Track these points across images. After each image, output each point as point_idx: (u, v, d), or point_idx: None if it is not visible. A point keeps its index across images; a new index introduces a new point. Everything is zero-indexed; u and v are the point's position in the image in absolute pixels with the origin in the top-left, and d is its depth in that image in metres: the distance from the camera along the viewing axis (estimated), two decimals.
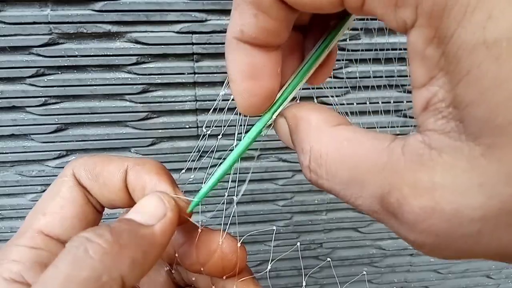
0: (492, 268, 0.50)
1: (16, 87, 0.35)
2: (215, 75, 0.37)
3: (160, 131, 0.38)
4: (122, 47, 0.35)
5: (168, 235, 0.16)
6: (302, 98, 0.18)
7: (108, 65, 0.35)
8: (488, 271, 0.50)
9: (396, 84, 0.39)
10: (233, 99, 0.17)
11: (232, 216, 0.21)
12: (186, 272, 0.22)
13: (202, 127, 0.39)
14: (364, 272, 0.38)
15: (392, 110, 0.40)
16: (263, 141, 0.40)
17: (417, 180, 0.11)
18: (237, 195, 0.21)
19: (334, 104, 0.39)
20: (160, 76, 0.36)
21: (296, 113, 0.15)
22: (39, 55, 0.34)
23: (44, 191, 0.39)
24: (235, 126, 0.25)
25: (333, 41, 0.17)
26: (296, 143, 0.15)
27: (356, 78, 0.38)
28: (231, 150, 0.18)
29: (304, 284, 0.22)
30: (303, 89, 0.18)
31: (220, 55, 0.36)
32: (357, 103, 0.39)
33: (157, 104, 0.37)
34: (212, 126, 0.30)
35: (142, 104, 0.37)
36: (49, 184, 0.39)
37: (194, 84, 0.37)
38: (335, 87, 0.39)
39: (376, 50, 0.38)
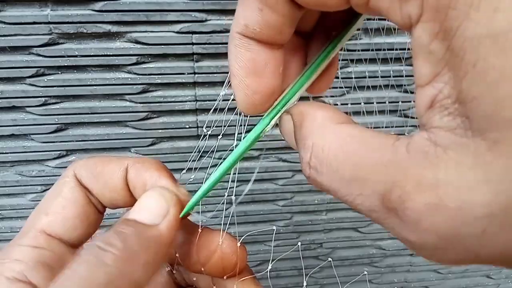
0: (492, 268, 0.50)
1: (16, 87, 0.35)
2: (215, 75, 0.37)
3: (160, 131, 0.38)
4: (122, 47, 0.35)
5: (173, 231, 0.17)
6: (301, 98, 0.18)
7: (108, 65, 0.35)
8: (488, 271, 0.50)
9: (396, 84, 0.39)
10: (233, 99, 0.16)
11: (231, 216, 0.21)
12: (187, 273, 0.22)
13: (202, 127, 0.39)
14: (365, 272, 0.38)
15: (392, 110, 0.40)
16: (263, 141, 0.40)
17: (421, 177, 0.11)
18: (238, 195, 0.21)
19: (334, 104, 0.39)
20: (160, 76, 0.36)
21: (303, 110, 0.15)
22: (39, 55, 0.34)
23: (44, 191, 0.39)
24: (235, 126, 0.25)
25: (337, 47, 0.17)
26: (299, 139, 0.15)
27: (356, 78, 0.38)
28: (231, 150, 0.18)
29: (305, 284, 0.22)
30: None
31: (220, 55, 0.36)
32: (357, 103, 0.39)
33: (157, 104, 0.37)
34: (213, 126, 0.30)
35: (142, 104, 0.37)
36: (49, 184, 0.39)
37: (194, 84, 0.37)
38: (335, 87, 0.39)
39: (376, 50, 0.38)
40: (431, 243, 0.11)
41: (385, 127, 0.41)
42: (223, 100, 0.33)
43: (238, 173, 0.40)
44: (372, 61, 0.38)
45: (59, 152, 0.38)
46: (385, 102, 0.40)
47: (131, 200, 0.19)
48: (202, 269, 0.19)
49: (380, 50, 0.38)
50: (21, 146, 0.37)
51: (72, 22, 0.33)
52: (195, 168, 0.35)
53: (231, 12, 0.35)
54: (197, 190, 0.19)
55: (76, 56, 0.34)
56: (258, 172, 0.41)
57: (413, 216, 0.11)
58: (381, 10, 0.12)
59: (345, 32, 0.17)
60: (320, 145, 0.14)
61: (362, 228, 0.46)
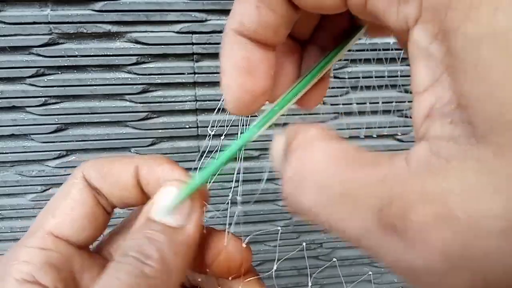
0: None
1: (16, 87, 0.35)
2: (215, 75, 0.37)
3: (160, 131, 0.38)
4: (122, 47, 0.35)
5: (199, 229, 0.17)
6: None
7: (108, 65, 0.35)
8: None
9: (396, 84, 0.39)
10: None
11: (234, 216, 0.21)
12: (192, 273, 0.22)
13: (202, 127, 0.39)
14: (370, 273, 0.38)
15: (391, 110, 0.40)
16: (263, 141, 0.40)
17: (425, 187, 0.10)
18: (245, 195, 0.21)
19: (334, 104, 0.39)
20: (160, 76, 0.36)
21: (297, 128, 0.14)
22: (39, 55, 0.34)
23: (44, 191, 0.39)
24: (237, 126, 0.25)
25: (331, 61, 0.17)
26: (286, 156, 0.14)
27: (357, 78, 0.38)
28: None
29: (310, 284, 0.22)
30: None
31: None
32: (357, 103, 0.39)
33: (157, 104, 0.37)
34: (216, 126, 0.30)
35: (142, 104, 0.37)
36: (49, 184, 0.39)
37: (194, 84, 0.37)
38: (334, 87, 0.39)
39: (376, 50, 0.38)
40: (438, 265, 0.10)
41: (385, 127, 0.41)
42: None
43: (237, 173, 0.40)
44: (372, 61, 0.38)
45: (59, 152, 0.38)
46: (384, 102, 0.40)
47: (142, 198, 0.19)
48: (208, 269, 0.19)
49: (380, 50, 0.38)
50: (21, 146, 0.37)
51: (72, 22, 0.33)
52: (195, 168, 0.35)
53: None
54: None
55: (76, 56, 0.34)
56: (258, 172, 0.41)
57: (417, 231, 0.10)
58: (378, 12, 0.12)
59: (340, 47, 0.17)
60: (305, 159, 0.13)
61: None
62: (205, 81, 0.37)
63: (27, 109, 0.36)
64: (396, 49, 0.38)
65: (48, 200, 0.39)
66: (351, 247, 0.47)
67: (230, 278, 0.20)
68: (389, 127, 0.41)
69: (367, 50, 0.38)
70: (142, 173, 0.19)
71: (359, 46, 0.37)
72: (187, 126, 0.38)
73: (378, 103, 0.40)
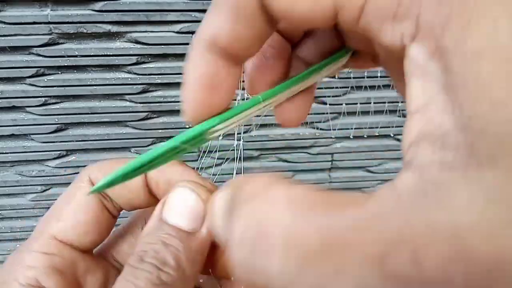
0: None
1: (16, 87, 0.35)
2: None
3: (160, 131, 0.38)
4: (122, 47, 0.35)
5: (212, 234, 0.17)
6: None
7: (108, 65, 0.35)
8: None
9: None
10: (233, 99, 0.16)
11: None
12: None
13: None
14: None
15: (391, 110, 0.40)
16: (263, 141, 0.40)
17: (433, 222, 0.09)
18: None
19: (335, 105, 0.39)
20: (160, 76, 0.36)
21: (240, 179, 0.12)
22: (39, 55, 0.34)
23: (44, 191, 0.39)
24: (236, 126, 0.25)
25: (311, 76, 0.16)
26: (230, 214, 0.11)
27: (356, 78, 0.38)
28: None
29: None
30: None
31: None
32: (357, 103, 0.39)
33: (157, 104, 0.37)
34: None
35: (142, 104, 0.37)
36: (49, 184, 0.39)
37: None
38: (335, 87, 0.39)
39: None
40: None
41: (385, 127, 0.41)
42: None
43: (236, 174, 0.40)
44: None
45: (59, 152, 0.38)
46: (384, 102, 0.40)
47: (150, 201, 0.19)
48: (210, 270, 0.19)
49: None
50: (21, 146, 0.37)
51: (72, 22, 0.33)
52: (196, 168, 0.35)
53: None
54: None
55: (76, 56, 0.34)
56: (258, 172, 0.41)
57: (438, 276, 0.08)
58: (371, 29, 0.11)
59: (321, 66, 0.16)
60: (262, 211, 0.10)
61: None
62: None
63: (27, 109, 0.36)
64: None
65: (48, 200, 0.39)
66: None
67: (232, 279, 0.20)
68: (389, 127, 0.41)
69: None
70: (150, 175, 0.18)
71: None
72: (187, 126, 0.38)
73: (378, 103, 0.40)
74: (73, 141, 0.38)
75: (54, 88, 0.35)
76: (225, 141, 0.36)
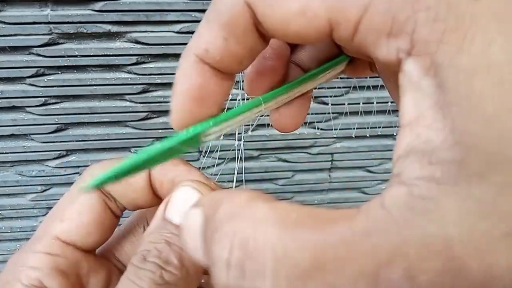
0: None
1: (16, 87, 0.35)
2: None
3: (160, 131, 0.38)
4: (122, 47, 0.35)
5: None
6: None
7: (108, 65, 0.35)
8: None
9: None
10: (232, 99, 0.16)
11: None
12: None
13: None
14: None
15: (392, 110, 0.40)
16: (263, 141, 0.40)
17: (425, 237, 0.09)
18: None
19: (335, 105, 0.39)
20: (160, 76, 0.36)
21: (216, 195, 0.12)
22: (39, 55, 0.34)
23: (44, 191, 0.39)
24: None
25: (308, 83, 0.16)
26: (210, 233, 0.11)
27: (357, 78, 0.38)
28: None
29: None
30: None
31: None
32: (357, 103, 0.39)
33: (157, 104, 0.37)
34: None
35: (142, 104, 0.37)
36: (49, 184, 0.39)
37: None
38: (335, 87, 0.39)
39: None
40: None
41: (385, 127, 0.41)
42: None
43: (238, 173, 0.40)
44: None
45: (59, 152, 0.38)
46: (385, 102, 0.40)
47: (153, 200, 0.19)
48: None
49: None
50: (21, 146, 0.37)
51: (72, 22, 0.33)
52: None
53: None
54: None
55: (76, 56, 0.34)
56: (258, 172, 0.41)
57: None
58: (367, 45, 0.11)
59: (317, 73, 0.16)
60: (246, 230, 0.10)
61: None
62: None
63: (27, 109, 0.36)
64: None
65: (48, 200, 0.39)
66: None
67: None
68: (389, 127, 0.41)
69: None
70: (154, 175, 0.18)
71: None
72: None
73: (378, 103, 0.40)
74: (73, 141, 0.38)
75: (54, 88, 0.35)
76: (226, 141, 0.36)
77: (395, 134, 0.42)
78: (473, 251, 0.08)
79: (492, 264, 0.08)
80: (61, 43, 0.34)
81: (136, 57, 0.35)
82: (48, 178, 0.39)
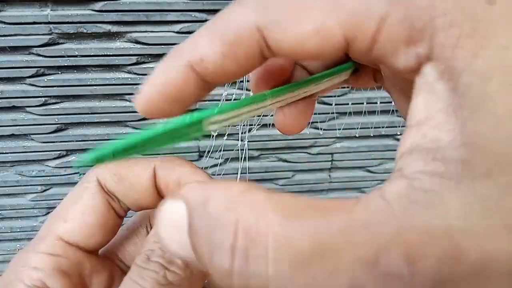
0: None
1: (16, 87, 0.35)
2: None
3: None
4: (122, 47, 0.35)
5: None
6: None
7: (108, 65, 0.35)
8: None
9: None
10: (235, 99, 0.16)
11: None
12: None
13: None
14: None
15: (394, 110, 0.40)
16: (263, 141, 0.40)
17: (426, 226, 0.09)
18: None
19: (334, 104, 0.39)
20: None
21: (199, 188, 0.11)
22: (39, 55, 0.34)
23: (44, 191, 0.39)
24: (239, 126, 0.25)
25: (309, 85, 0.16)
26: (206, 225, 0.10)
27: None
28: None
29: None
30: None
31: None
32: (357, 103, 0.39)
33: None
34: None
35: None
36: (49, 184, 0.39)
37: None
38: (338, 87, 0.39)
39: None
40: None
41: (385, 127, 0.41)
42: (226, 100, 0.33)
43: (241, 173, 0.40)
44: None
45: (59, 152, 0.38)
46: (387, 102, 0.40)
47: (158, 200, 0.19)
48: None
49: None
50: (21, 146, 0.37)
51: (72, 22, 0.33)
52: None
53: None
54: None
55: (76, 56, 0.34)
56: (258, 172, 0.41)
57: (430, 276, 0.09)
58: (385, 56, 0.11)
59: (321, 77, 0.16)
60: (251, 219, 0.10)
61: None
62: None
63: (27, 109, 0.36)
64: None
65: (48, 200, 0.39)
66: None
67: None
68: (389, 127, 0.41)
69: None
70: (160, 176, 0.18)
71: None
72: None
73: (378, 103, 0.40)
74: (73, 141, 0.37)
75: (54, 88, 0.35)
76: (228, 141, 0.36)
77: (398, 133, 0.42)
78: (473, 240, 0.09)
79: (491, 252, 0.08)
80: (61, 43, 0.34)
81: (136, 57, 0.35)
82: (48, 178, 0.39)
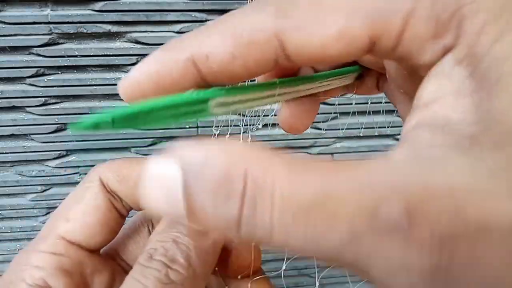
0: None
1: (16, 87, 0.35)
2: None
3: (160, 131, 0.38)
4: (122, 47, 0.35)
5: (224, 237, 0.17)
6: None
7: (108, 65, 0.35)
8: None
9: None
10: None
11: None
12: None
13: (202, 127, 0.39)
14: None
15: (392, 110, 0.40)
16: (264, 141, 0.40)
17: (429, 183, 0.09)
18: None
19: (334, 104, 0.39)
20: None
21: (200, 144, 0.11)
22: (39, 55, 0.34)
23: (44, 191, 0.39)
24: (240, 126, 0.25)
25: (325, 81, 0.16)
26: (211, 177, 0.10)
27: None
28: None
29: (317, 284, 0.22)
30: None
31: None
32: (357, 103, 0.39)
33: None
34: (220, 126, 0.30)
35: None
36: (49, 184, 0.39)
37: None
38: None
39: None
40: (444, 265, 0.09)
41: (385, 127, 0.41)
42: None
43: None
44: None
45: (59, 152, 0.38)
46: (388, 102, 0.40)
47: None
48: (216, 268, 0.19)
49: None
50: (21, 146, 0.37)
51: (72, 22, 0.33)
52: None
53: None
54: None
55: (76, 56, 0.34)
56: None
57: (429, 229, 0.09)
58: (410, 53, 0.11)
59: (325, 76, 0.16)
60: (259, 170, 0.10)
61: None
62: None
63: (27, 109, 0.36)
64: None
65: (48, 200, 0.39)
66: None
67: (239, 277, 0.20)
68: (389, 127, 0.41)
69: None
70: None
71: None
72: (187, 126, 0.38)
73: (378, 103, 0.40)
74: (73, 141, 0.37)
75: (54, 88, 0.35)
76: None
77: (398, 134, 0.42)
78: (477, 199, 0.09)
79: (494, 212, 0.08)
80: (61, 43, 0.34)
81: (136, 57, 0.35)
82: (48, 178, 0.39)
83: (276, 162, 0.10)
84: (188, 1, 0.34)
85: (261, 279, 0.20)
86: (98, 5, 0.33)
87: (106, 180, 0.18)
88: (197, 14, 0.34)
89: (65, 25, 0.33)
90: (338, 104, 0.39)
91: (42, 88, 0.35)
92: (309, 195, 0.09)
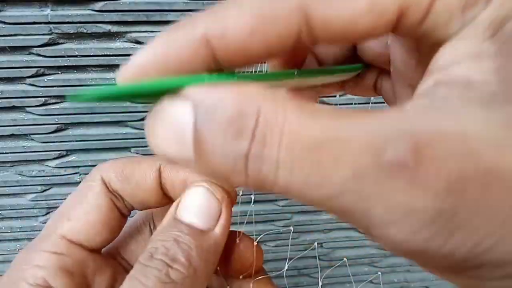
0: None
1: (16, 87, 0.35)
2: None
3: None
4: (122, 47, 0.35)
5: (226, 234, 0.17)
6: None
7: (108, 65, 0.35)
8: None
9: None
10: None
11: (249, 215, 0.21)
12: None
13: None
14: (379, 273, 0.38)
15: None
16: None
17: (442, 127, 0.09)
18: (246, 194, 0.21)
19: (335, 104, 0.39)
20: None
21: (214, 86, 0.10)
22: (39, 55, 0.34)
23: (44, 191, 0.39)
24: None
25: (327, 76, 0.16)
26: (220, 117, 0.10)
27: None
28: None
29: (320, 284, 0.22)
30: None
31: None
32: (357, 103, 0.39)
33: None
34: None
35: (142, 104, 0.37)
36: (49, 184, 0.39)
37: None
38: None
39: None
40: (449, 209, 0.08)
41: None
42: None
43: None
44: None
45: (59, 152, 0.38)
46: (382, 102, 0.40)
47: (163, 200, 0.19)
48: (218, 268, 0.19)
49: None
50: (21, 146, 0.37)
51: (72, 22, 0.33)
52: None
53: None
54: None
55: (76, 56, 0.34)
56: None
57: (436, 169, 0.08)
58: (437, 28, 0.11)
59: (326, 71, 0.16)
60: (271, 109, 0.10)
61: None
62: None
63: (27, 109, 0.36)
64: None
65: (48, 200, 0.39)
66: (351, 247, 0.47)
67: (241, 277, 0.20)
68: None
69: None
70: (165, 175, 0.18)
71: None
72: None
73: (378, 103, 0.40)
74: (73, 141, 0.37)
75: (54, 88, 0.35)
76: None
77: None
78: (489, 146, 0.08)
79: (505, 160, 0.08)
80: (61, 43, 0.34)
81: None
82: (48, 178, 0.39)
83: (289, 103, 0.10)
84: (188, 1, 0.34)
85: (263, 279, 0.20)
86: (98, 5, 0.33)
87: (108, 180, 0.18)
88: None
89: (65, 25, 0.33)
90: (339, 104, 0.39)
91: (42, 88, 0.35)
92: (317, 134, 0.09)
